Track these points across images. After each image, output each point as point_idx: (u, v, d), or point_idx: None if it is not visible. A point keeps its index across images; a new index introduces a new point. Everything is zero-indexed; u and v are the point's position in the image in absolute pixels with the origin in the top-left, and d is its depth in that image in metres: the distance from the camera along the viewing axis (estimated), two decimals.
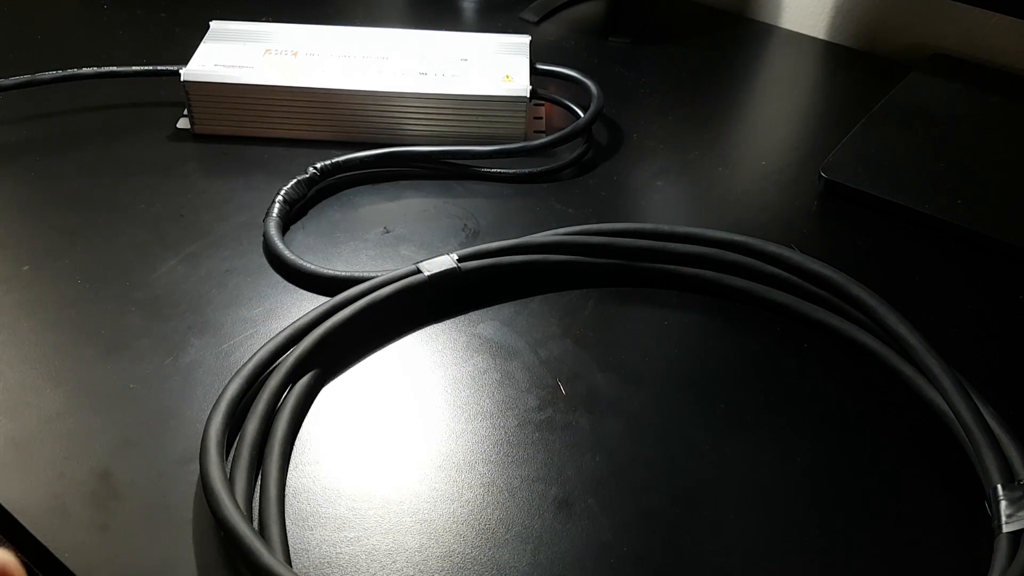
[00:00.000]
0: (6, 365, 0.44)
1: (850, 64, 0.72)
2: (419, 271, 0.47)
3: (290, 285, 0.49)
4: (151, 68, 0.62)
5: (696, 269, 0.49)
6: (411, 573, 0.36)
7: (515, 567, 0.36)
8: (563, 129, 0.59)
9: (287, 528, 0.37)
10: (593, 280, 0.50)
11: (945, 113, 0.62)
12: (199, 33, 0.62)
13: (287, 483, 0.39)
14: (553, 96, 0.63)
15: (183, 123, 0.60)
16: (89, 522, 0.37)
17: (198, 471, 0.39)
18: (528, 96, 0.58)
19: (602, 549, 0.37)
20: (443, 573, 0.36)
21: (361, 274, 0.48)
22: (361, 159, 0.56)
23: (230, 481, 0.37)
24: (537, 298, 0.49)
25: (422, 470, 0.40)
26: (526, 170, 0.58)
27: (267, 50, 0.60)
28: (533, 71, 0.62)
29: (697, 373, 0.45)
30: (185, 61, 0.59)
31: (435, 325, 0.47)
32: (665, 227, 0.50)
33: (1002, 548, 0.36)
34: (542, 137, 0.59)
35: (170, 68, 0.60)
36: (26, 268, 0.49)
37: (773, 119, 0.66)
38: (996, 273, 0.52)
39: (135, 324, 0.46)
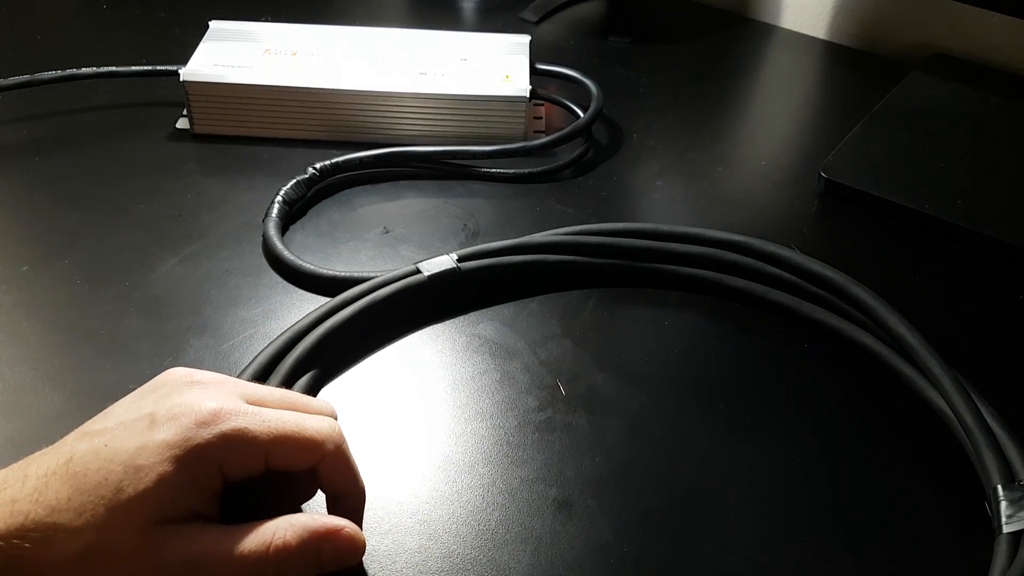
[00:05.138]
0: (6, 365, 0.44)
1: (850, 64, 0.72)
2: (419, 271, 0.47)
3: (289, 285, 0.49)
4: (151, 68, 0.62)
5: (696, 269, 0.49)
6: (411, 573, 0.36)
7: (515, 568, 0.36)
8: (563, 129, 0.59)
9: None
10: (593, 280, 0.50)
11: (945, 113, 0.62)
12: (199, 33, 0.62)
13: None
14: (553, 96, 0.63)
15: (182, 123, 0.60)
16: None
17: None
18: (528, 96, 0.58)
19: (602, 550, 0.37)
20: (443, 573, 0.36)
21: (361, 274, 0.48)
22: (361, 159, 0.56)
23: None
24: (537, 298, 0.49)
25: (422, 470, 0.40)
26: (526, 170, 0.58)
27: (267, 50, 0.60)
28: (533, 71, 0.62)
29: (697, 373, 0.45)
30: (185, 61, 0.59)
31: (435, 325, 0.47)
32: (665, 227, 0.50)
33: (1002, 548, 0.36)
34: (542, 137, 0.59)
35: (170, 68, 0.60)
36: (26, 268, 0.49)
37: (773, 119, 0.66)
38: (996, 273, 0.52)
39: (135, 324, 0.46)
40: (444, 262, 0.47)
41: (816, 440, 0.42)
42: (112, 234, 0.51)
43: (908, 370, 0.44)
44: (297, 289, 0.48)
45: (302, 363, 0.42)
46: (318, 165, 0.55)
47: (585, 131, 0.60)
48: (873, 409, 0.44)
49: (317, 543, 0.32)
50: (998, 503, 0.37)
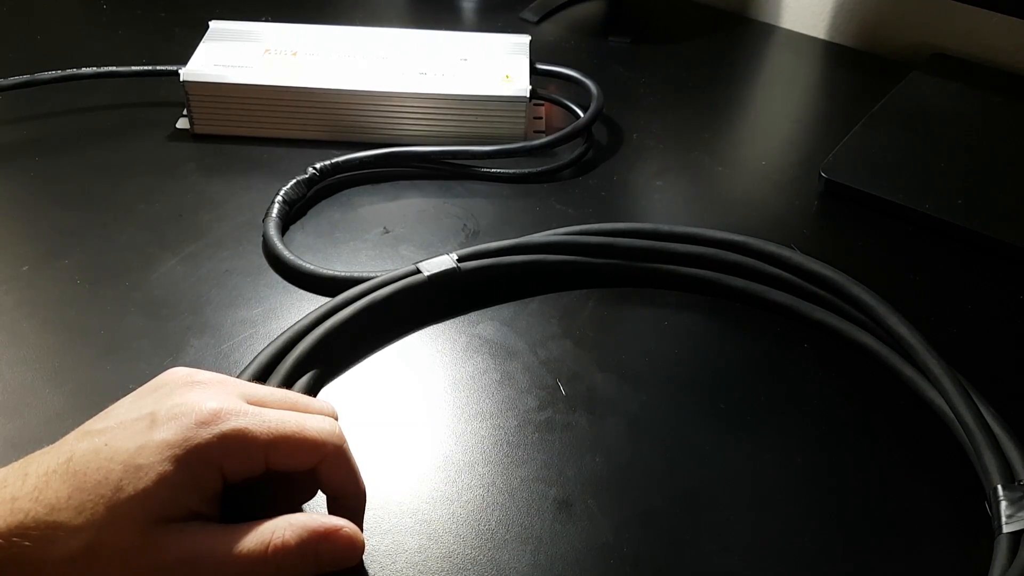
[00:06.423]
0: (6, 365, 0.44)
1: (850, 64, 0.72)
2: (419, 271, 0.47)
3: (289, 285, 0.49)
4: (151, 68, 0.62)
5: (696, 269, 0.49)
6: (411, 573, 0.36)
7: (515, 567, 0.36)
8: (563, 129, 0.59)
9: None
10: (593, 280, 0.50)
11: (945, 113, 0.62)
12: (199, 33, 0.62)
13: None
14: (553, 96, 0.63)
15: (182, 123, 0.60)
16: None
17: None
18: (528, 96, 0.58)
19: (602, 550, 0.37)
20: (443, 573, 0.36)
21: (361, 274, 0.48)
22: (361, 159, 0.56)
23: None
24: (537, 298, 0.49)
25: (422, 470, 0.40)
26: (526, 170, 0.58)
27: (266, 50, 0.60)
28: (533, 71, 0.62)
29: (697, 373, 0.45)
30: (185, 61, 0.59)
31: (435, 325, 0.47)
32: (665, 227, 0.50)
33: (1002, 548, 0.36)
34: (542, 137, 0.59)
35: (170, 68, 0.60)
36: (26, 268, 0.49)
37: (773, 119, 0.66)
38: (996, 273, 0.52)
39: (135, 324, 0.46)
40: (444, 262, 0.47)
41: (816, 440, 0.42)
42: (112, 234, 0.51)
43: (908, 370, 0.44)
44: (297, 289, 0.48)
45: (302, 363, 0.42)
46: (318, 165, 0.55)
47: (585, 131, 0.60)
48: (873, 409, 0.44)
49: (316, 543, 0.32)
50: (998, 503, 0.37)
